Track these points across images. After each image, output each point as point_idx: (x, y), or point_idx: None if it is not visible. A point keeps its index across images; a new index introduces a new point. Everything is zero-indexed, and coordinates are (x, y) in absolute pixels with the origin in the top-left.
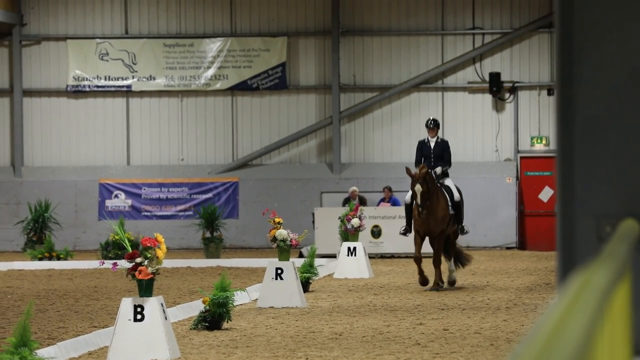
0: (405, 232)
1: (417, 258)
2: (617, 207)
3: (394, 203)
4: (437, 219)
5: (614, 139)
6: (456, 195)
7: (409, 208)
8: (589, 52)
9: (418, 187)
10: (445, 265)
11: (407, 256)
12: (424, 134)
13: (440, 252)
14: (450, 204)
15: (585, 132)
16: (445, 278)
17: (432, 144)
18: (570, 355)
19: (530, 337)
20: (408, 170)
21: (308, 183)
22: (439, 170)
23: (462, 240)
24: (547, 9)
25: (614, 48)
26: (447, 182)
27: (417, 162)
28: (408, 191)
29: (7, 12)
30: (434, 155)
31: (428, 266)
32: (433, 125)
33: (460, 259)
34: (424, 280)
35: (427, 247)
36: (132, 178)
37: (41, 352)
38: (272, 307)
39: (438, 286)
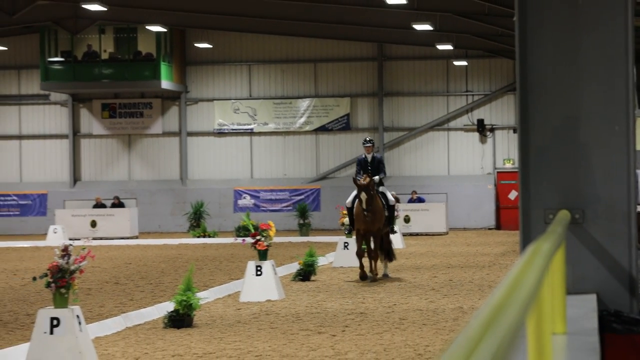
0: (349, 231)
1: (359, 253)
2: (556, 202)
3: (419, 201)
4: (375, 218)
5: (554, 160)
6: (391, 199)
7: (350, 211)
8: (537, 106)
9: (364, 195)
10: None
11: (426, 234)
12: (436, 157)
13: (377, 247)
14: (385, 206)
15: (536, 156)
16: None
17: (369, 159)
18: (528, 293)
19: (503, 284)
20: (354, 180)
21: None
22: (377, 178)
23: (459, 224)
24: (512, 78)
25: (553, 102)
26: (382, 189)
27: (357, 174)
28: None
29: (178, 84)
30: (371, 169)
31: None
32: (369, 144)
33: (389, 255)
34: (363, 275)
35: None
36: (254, 186)
37: (199, 294)
38: (342, 266)
39: (375, 276)
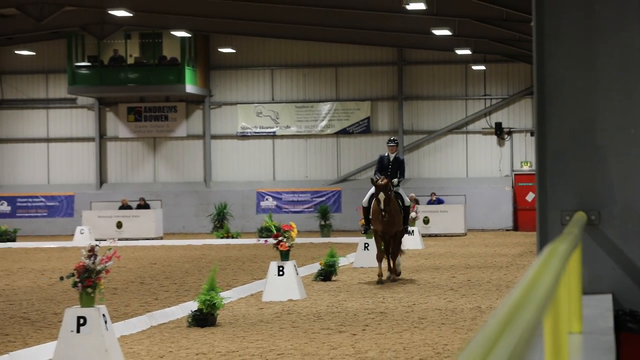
0: (366, 231)
1: (379, 257)
2: (572, 204)
3: (438, 202)
4: (393, 220)
5: (570, 163)
6: (406, 201)
7: (367, 210)
8: (554, 109)
9: (381, 195)
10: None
11: (445, 235)
12: (455, 160)
13: (395, 248)
14: (402, 208)
15: (553, 159)
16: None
17: (391, 159)
18: (544, 293)
19: (520, 284)
20: (372, 181)
21: None
22: (395, 181)
23: (478, 225)
24: (529, 82)
25: (570, 106)
26: (399, 190)
27: (377, 172)
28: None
29: (202, 88)
30: (392, 168)
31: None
32: (393, 144)
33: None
34: (380, 281)
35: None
36: (277, 188)
37: (222, 294)
38: (362, 267)
39: (393, 275)
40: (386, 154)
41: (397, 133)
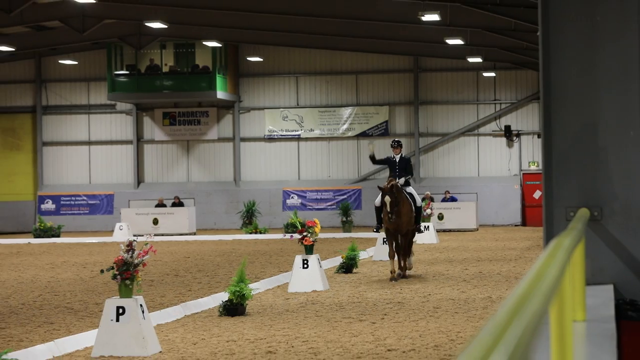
0: (377, 230)
1: (391, 255)
2: (576, 201)
3: (451, 200)
4: (403, 220)
5: (574, 163)
6: (418, 201)
7: (378, 210)
8: (559, 113)
9: (387, 198)
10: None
11: (458, 230)
12: (467, 160)
13: (407, 246)
14: (413, 207)
15: (558, 159)
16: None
17: (397, 159)
18: (550, 284)
19: (528, 276)
20: (379, 187)
21: None
22: (402, 180)
23: (488, 221)
24: (537, 88)
25: (573, 110)
26: (410, 190)
27: (379, 162)
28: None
29: (232, 94)
30: (399, 168)
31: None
32: (397, 145)
33: (409, 250)
34: (392, 278)
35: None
36: (301, 187)
37: (251, 285)
38: (381, 260)
39: (404, 272)
40: (392, 156)
41: (413, 135)
